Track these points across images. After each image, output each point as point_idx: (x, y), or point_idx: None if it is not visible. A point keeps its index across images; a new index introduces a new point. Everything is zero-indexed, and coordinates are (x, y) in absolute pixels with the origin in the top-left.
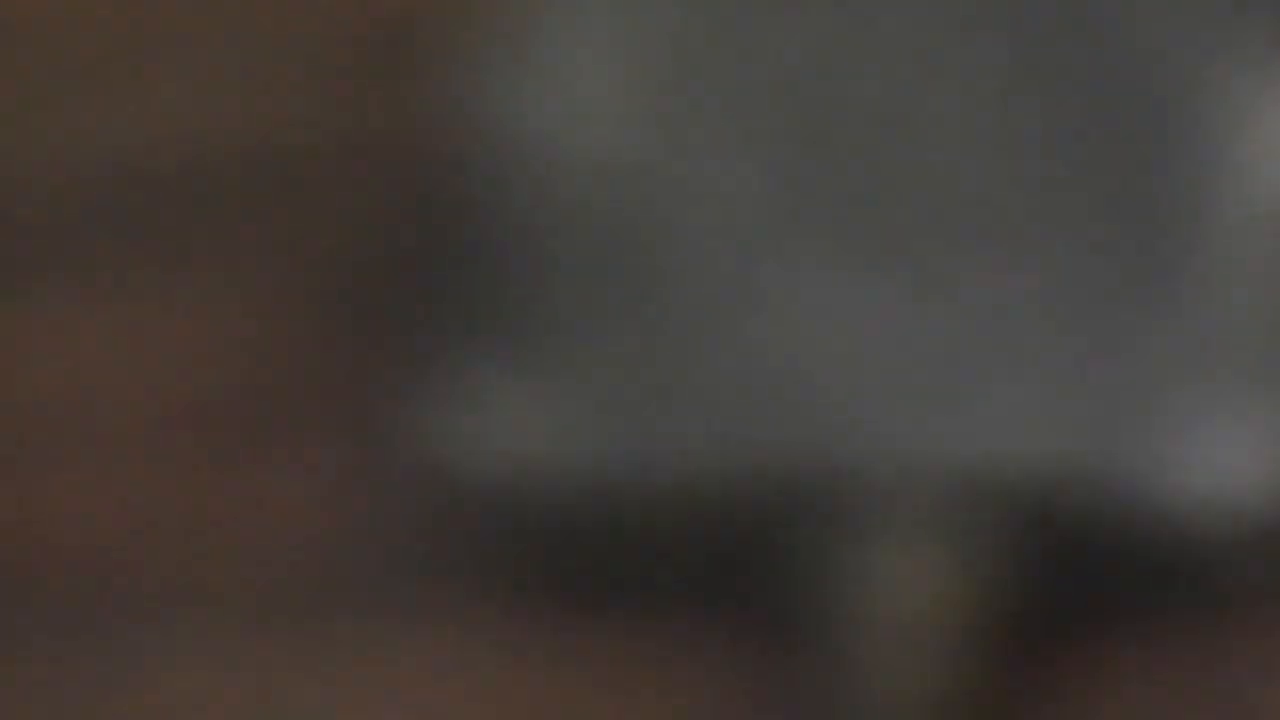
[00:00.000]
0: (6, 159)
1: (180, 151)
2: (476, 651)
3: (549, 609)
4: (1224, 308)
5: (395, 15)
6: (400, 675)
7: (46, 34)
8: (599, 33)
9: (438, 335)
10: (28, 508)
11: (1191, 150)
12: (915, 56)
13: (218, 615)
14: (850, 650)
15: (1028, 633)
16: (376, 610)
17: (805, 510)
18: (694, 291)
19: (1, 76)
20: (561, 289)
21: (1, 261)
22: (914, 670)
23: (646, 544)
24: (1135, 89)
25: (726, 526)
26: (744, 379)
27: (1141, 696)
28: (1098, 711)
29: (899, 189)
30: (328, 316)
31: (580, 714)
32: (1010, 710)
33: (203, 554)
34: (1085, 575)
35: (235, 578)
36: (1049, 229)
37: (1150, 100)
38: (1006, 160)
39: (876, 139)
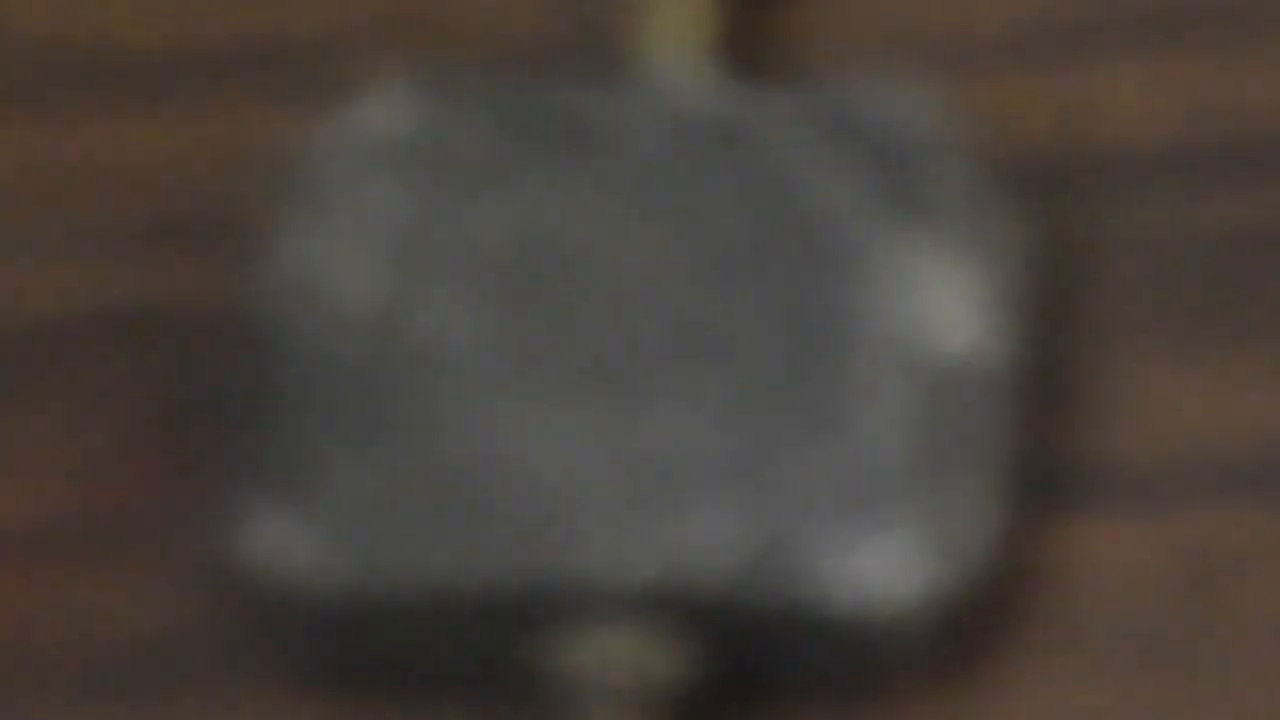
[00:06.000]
0: None
1: (28, 317)
2: None
3: (345, 699)
4: (878, 447)
5: (181, 203)
6: None
7: None
8: (350, 215)
9: (242, 467)
10: None
11: (851, 310)
12: (612, 225)
13: (66, 698)
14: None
15: (718, 702)
16: (200, 694)
17: (535, 610)
18: (437, 427)
19: None
20: (332, 427)
21: None
22: None
23: (414, 640)
24: (805, 251)
25: (476, 624)
26: (480, 502)
27: None
28: None
29: (601, 337)
30: (154, 454)
31: None
32: None
33: (54, 646)
34: (765, 659)
35: (75, 668)
36: (730, 371)
37: (816, 261)
38: (694, 314)
39: (586, 294)
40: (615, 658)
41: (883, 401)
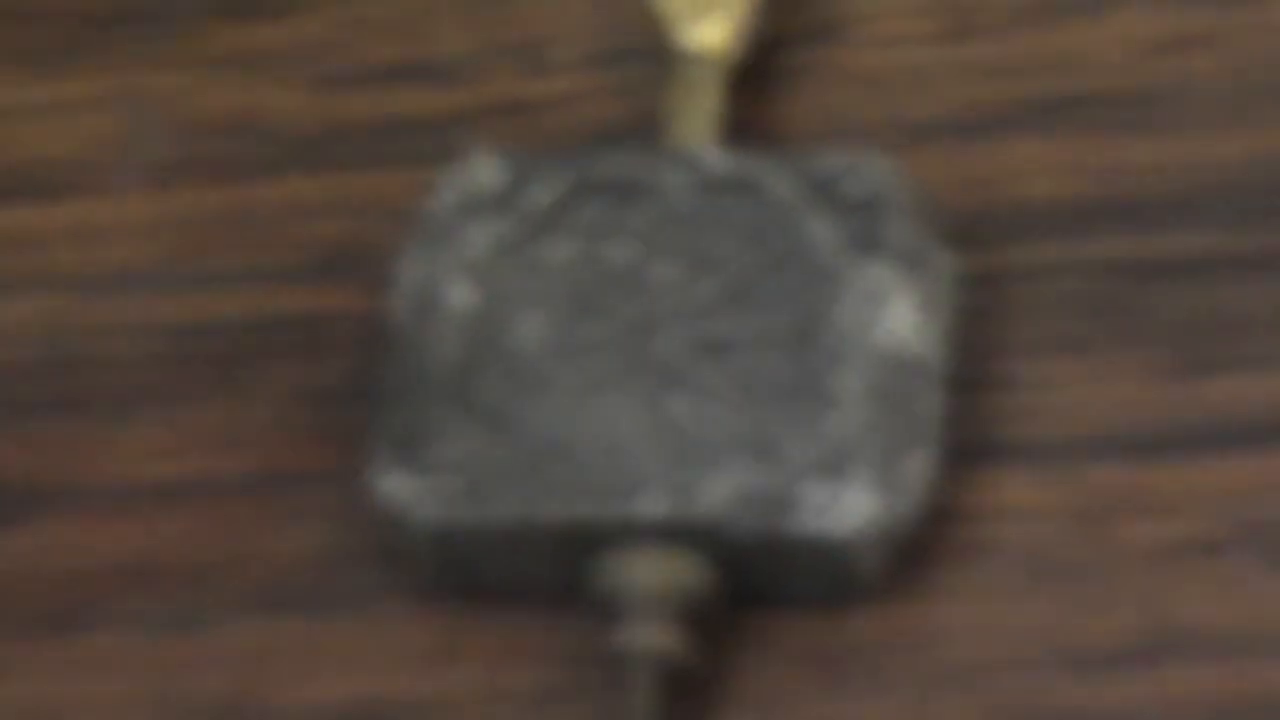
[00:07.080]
0: (105, 334)
1: (222, 326)
2: (411, 630)
3: (455, 606)
4: (846, 420)
5: (332, 239)
6: (364, 641)
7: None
8: (455, 248)
9: (376, 434)
10: (129, 537)
11: (829, 320)
12: (650, 255)
13: (247, 605)
14: (624, 620)
15: (725, 610)
16: (344, 601)
17: (590, 538)
18: (518, 405)
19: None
20: (440, 405)
21: (105, 392)
22: (660, 633)
23: (501, 562)
24: (796, 277)
25: (545, 550)
26: (551, 460)
27: (790, 652)
28: (764, 660)
29: (642, 339)
30: (314, 424)
31: (480, 667)
32: (709, 657)
33: (235, 565)
34: (760, 577)
35: (259, 580)
36: (739, 365)
37: (803, 285)
38: (712, 323)
39: (630, 307)
40: (651, 576)
41: (850, 387)
